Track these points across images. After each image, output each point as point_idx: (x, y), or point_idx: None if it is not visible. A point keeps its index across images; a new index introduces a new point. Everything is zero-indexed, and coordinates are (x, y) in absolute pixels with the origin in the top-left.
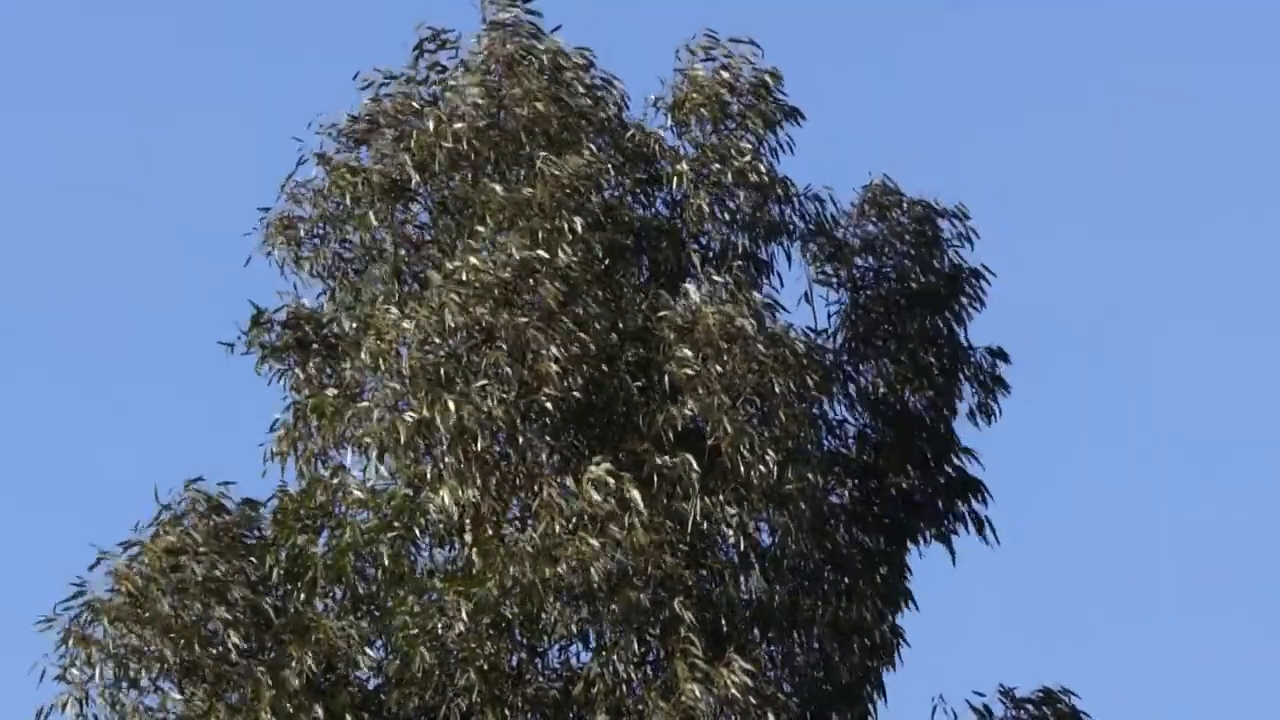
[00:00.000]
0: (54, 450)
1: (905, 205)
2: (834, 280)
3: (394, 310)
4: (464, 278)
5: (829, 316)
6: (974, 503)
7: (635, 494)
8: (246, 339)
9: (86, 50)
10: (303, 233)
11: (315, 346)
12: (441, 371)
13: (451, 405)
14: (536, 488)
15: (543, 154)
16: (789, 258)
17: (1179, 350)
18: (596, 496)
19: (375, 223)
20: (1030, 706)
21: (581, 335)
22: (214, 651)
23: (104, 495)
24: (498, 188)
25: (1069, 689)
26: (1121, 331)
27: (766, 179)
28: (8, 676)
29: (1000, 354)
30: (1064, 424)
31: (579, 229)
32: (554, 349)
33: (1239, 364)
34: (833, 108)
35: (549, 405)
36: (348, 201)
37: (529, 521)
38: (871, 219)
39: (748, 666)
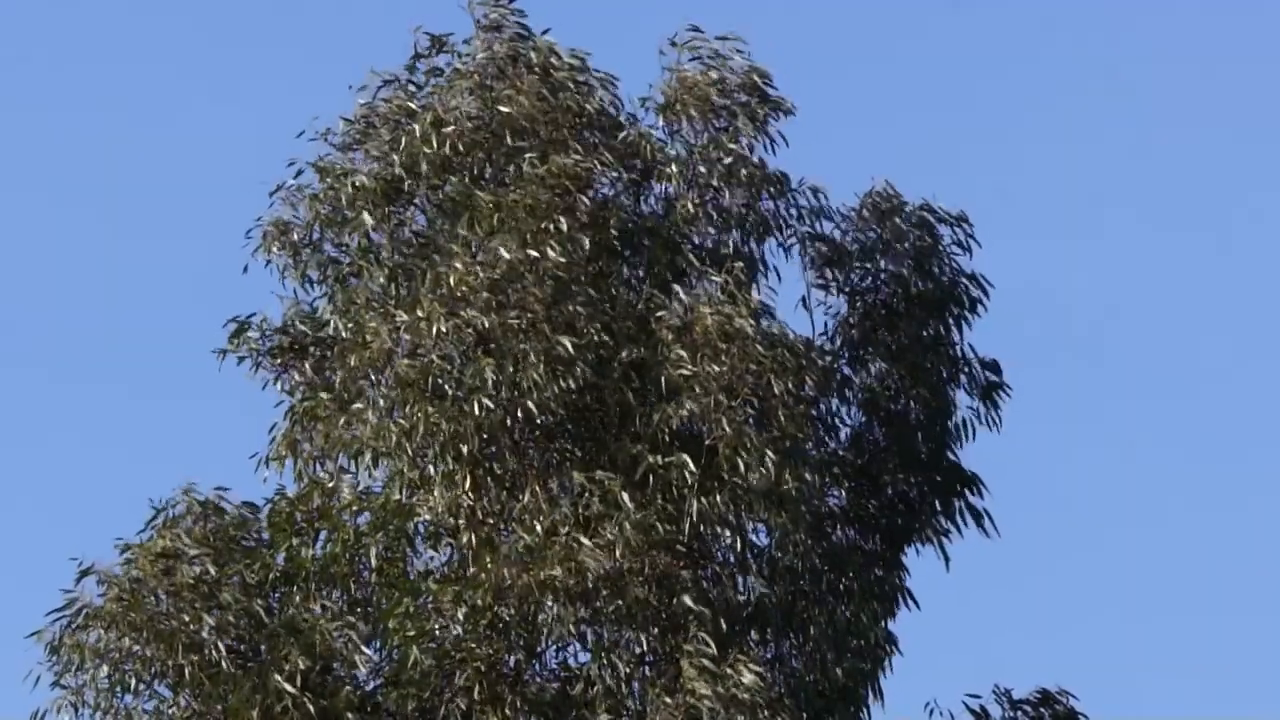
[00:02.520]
0: (52, 452)
1: (906, 211)
2: (832, 285)
3: (378, 319)
4: (451, 282)
5: (826, 322)
6: (970, 497)
7: (624, 495)
8: (232, 349)
9: (88, 50)
10: (297, 237)
11: (312, 349)
12: (430, 380)
13: (439, 414)
14: (527, 491)
15: (529, 155)
16: (786, 252)
17: (1179, 350)
18: (581, 500)
19: (370, 222)
20: (1027, 708)
21: (567, 340)
22: (201, 657)
23: (104, 496)
24: (485, 192)
25: (1066, 690)
26: (1121, 331)
27: (758, 175)
28: (4, 681)
29: (994, 367)
30: (1062, 424)
31: (565, 229)
32: (535, 357)
33: (1239, 363)
34: (832, 108)
35: (535, 410)
36: (343, 202)
37: (519, 524)
38: (871, 224)
39: (756, 667)
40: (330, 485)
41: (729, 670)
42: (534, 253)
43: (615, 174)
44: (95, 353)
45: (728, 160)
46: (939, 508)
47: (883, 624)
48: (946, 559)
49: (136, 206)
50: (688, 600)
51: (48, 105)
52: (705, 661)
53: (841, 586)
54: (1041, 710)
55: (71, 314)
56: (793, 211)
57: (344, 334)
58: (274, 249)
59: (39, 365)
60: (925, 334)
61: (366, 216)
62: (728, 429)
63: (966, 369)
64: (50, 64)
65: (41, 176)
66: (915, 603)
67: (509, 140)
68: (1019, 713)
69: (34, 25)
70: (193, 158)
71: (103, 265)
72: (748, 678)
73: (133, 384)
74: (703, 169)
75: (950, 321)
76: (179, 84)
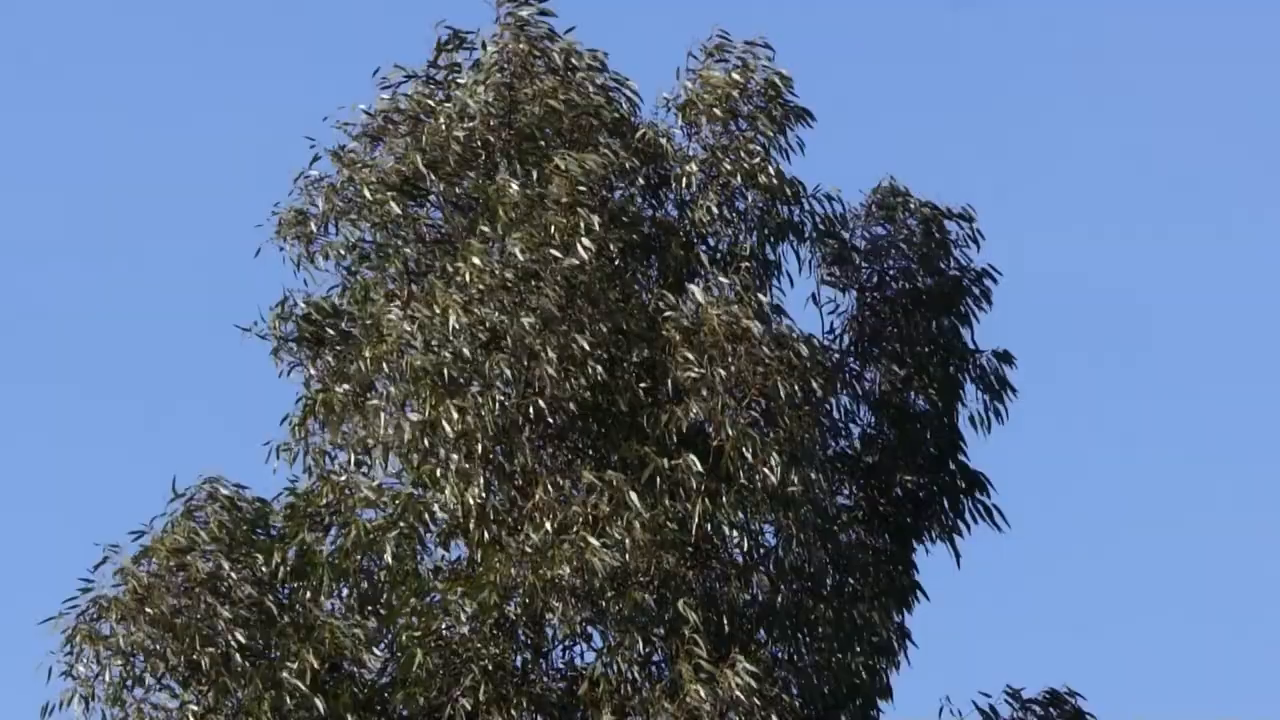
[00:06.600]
0: (52, 452)
1: (913, 207)
2: (841, 282)
3: (396, 311)
4: (468, 278)
5: (835, 319)
6: (978, 495)
7: (633, 496)
8: (268, 325)
9: (88, 50)
10: (314, 227)
11: (327, 343)
12: (445, 373)
13: (454, 409)
14: (537, 489)
15: (561, 150)
16: (799, 258)
17: (1180, 349)
18: (590, 499)
19: (395, 210)
20: (1036, 708)
21: (580, 339)
22: (216, 651)
23: (103, 497)
24: (513, 184)
25: (1075, 690)
26: (1122, 331)
27: (775, 180)
28: (15, 673)
29: (1006, 357)
30: (1066, 423)
31: (597, 225)
32: (552, 353)
33: (1241, 363)
34: (831, 106)
35: (546, 410)
36: (366, 194)
37: (528, 523)
38: (879, 221)
39: (751, 667)
40: (342, 480)
41: (727, 671)
42: (556, 252)
43: (635, 174)
44: (95, 353)
45: (746, 163)
46: (947, 505)
47: (893, 622)
48: (957, 555)
49: (136, 206)
50: (680, 605)
51: (48, 105)
52: (703, 663)
53: (850, 586)
54: (1050, 710)
55: (72, 314)
56: (807, 217)
57: (359, 327)
58: (289, 238)
59: (38, 365)
60: (933, 330)
61: (393, 205)
62: (734, 430)
63: (976, 363)
64: (50, 64)
65: (41, 176)
66: (926, 596)
67: (535, 136)
68: (1028, 713)
69: (34, 25)
70: (193, 158)
71: (103, 265)
72: (742, 679)
73: (133, 384)
74: (728, 165)
75: (958, 319)
76: (179, 84)
